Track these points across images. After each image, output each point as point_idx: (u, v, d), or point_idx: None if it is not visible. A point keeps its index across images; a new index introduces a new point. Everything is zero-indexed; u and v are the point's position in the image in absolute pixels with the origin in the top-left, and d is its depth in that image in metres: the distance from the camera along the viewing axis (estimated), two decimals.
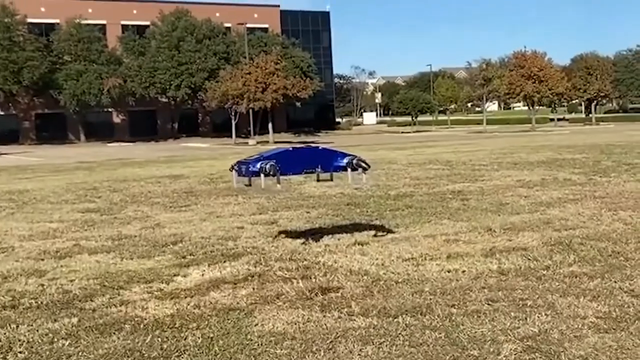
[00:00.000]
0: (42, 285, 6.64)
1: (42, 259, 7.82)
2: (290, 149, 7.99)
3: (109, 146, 56.94)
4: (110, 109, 69.52)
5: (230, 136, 58.86)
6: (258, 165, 7.28)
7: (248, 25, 68.88)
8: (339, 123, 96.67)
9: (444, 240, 8.00)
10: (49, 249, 8.37)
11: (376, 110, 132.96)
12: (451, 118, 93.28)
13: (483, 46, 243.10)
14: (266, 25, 77.25)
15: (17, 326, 5.34)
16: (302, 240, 8.28)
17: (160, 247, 8.23)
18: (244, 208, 11.32)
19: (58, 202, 13.02)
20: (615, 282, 6.04)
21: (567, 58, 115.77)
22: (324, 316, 5.33)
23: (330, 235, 8.51)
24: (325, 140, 59.27)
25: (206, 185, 15.22)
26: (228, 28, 71.19)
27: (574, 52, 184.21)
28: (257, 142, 54.31)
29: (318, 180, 8.05)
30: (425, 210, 10.25)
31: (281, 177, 7.37)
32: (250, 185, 7.57)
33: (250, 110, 58.38)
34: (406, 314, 5.29)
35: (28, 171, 23.49)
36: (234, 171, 7.71)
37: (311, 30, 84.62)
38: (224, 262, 7.30)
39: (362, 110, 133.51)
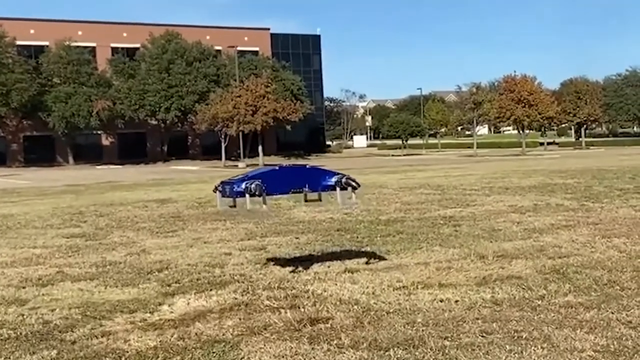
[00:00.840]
0: (22, 315, 6.46)
1: (24, 287, 7.65)
2: (277, 167, 7.80)
3: (97, 169, 56.66)
4: (99, 132, 69.24)
5: (220, 159, 58.72)
6: (243, 185, 7.05)
7: (238, 48, 69.01)
8: (329, 146, 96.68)
9: (436, 268, 7.86)
10: (31, 276, 8.20)
11: (366, 134, 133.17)
12: (442, 141, 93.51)
13: (473, 70, 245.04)
14: (257, 48, 77.44)
15: None
16: (291, 268, 8.12)
17: (145, 275, 8.06)
18: (232, 233, 11.16)
19: (43, 227, 12.83)
20: (612, 313, 5.90)
21: (557, 82, 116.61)
22: (313, 349, 5.17)
23: (319, 263, 8.36)
24: (315, 163, 59.14)
25: (194, 210, 15.05)
26: (218, 51, 71.30)
27: (564, 76, 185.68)
28: (247, 165, 54.10)
29: (306, 201, 7.87)
30: (416, 236, 10.12)
31: (268, 197, 7.17)
32: (235, 206, 7.34)
33: (240, 133, 58.29)
34: (398, 347, 5.13)
35: (14, 195, 23.25)
36: (217, 192, 7.49)
37: (302, 54, 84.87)
38: (211, 290, 7.14)
39: (353, 134, 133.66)
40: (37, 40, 66.33)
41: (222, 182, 7.44)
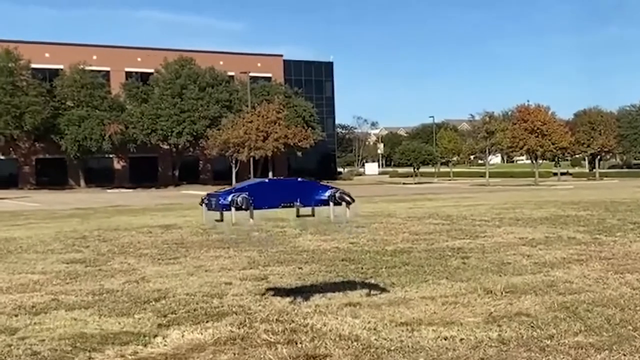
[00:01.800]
0: (10, 345, 6.23)
1: (16, 315, 7.43)
2: (266, 180, 7.47)
3: (108, 192, 56.65)
4: (111, 155, 69.43)
5: (231, 184, 58.49)
6: (229, 198, 6.73)
7: (251, 74, 69.14)
8: (340, 173, 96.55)
9: (442, 302, 7.57)
10: (25, 304, 7.98)
11: (378, 161, 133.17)
12: (454, 170, 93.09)
13: (485, 99, 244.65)
14: (269, 75, 77.64)
15: None
16: (291, 299, 7.86)
17: (141, 304, 7.83)
18: (234, 262, 10.91)
19: (44, 252, 12.64)
20: (624, 355, 5.62)
21: (570, 112, 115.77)
22: None
23: (321, 294, 8.09)
24: None
25: (198, 237, 14.83)
26: (231, 76, 71.56)
27: (577, 106, 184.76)
28: None
29: (298, 216, 7.55)
30: (423, 268, 9.83)
31: (257, 212, 6.85)
32: (221, 220, 7.01)
33: (252, 159, 58.26)
34: None
35: (21, 217, 23.14)
36: (203, 205, 7.15)
37: (314, 80, 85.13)
38: (207, 322, 6.89)
39: (364, 161, 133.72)
40: (52, 64, 66.88)
41: (208, 195, 7.10)
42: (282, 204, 7.09)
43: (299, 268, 10.18)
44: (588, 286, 8.45)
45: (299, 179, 7.67)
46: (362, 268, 10.03)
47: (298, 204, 7.11)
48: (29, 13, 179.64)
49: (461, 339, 6.10)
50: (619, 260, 10.43)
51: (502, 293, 8.01)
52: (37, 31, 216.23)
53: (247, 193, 6.70)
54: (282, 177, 7.51)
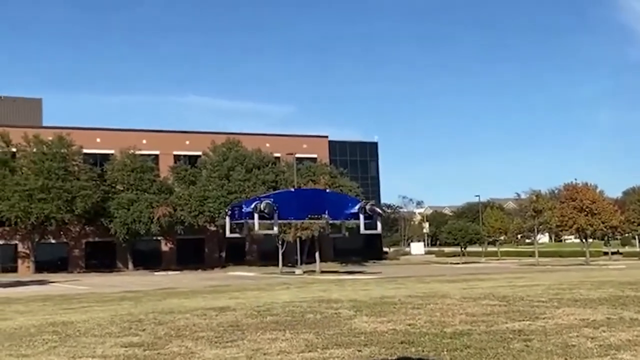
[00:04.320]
0: None
1: None
2: (292, 190, 7.14)
3: (155, 275, 56.98)
4: (159, 237, 70.14)
5: (277, 265, 58.52)
6: (252, 205, 6.35)
7: (297, 155, 69.99)
8: (386, 252, 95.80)
9: None
10: None
11: (424, 240, 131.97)
12: (501, 249, 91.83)
13: (531, 177, 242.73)
14: (315, 155, 78.43)
15: None
16: None
17: None
18: (291, 345, 10.82)
19: (101, 335, 12.71)
20: None
21: (619, 191, 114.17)
22: None
23: None
24: (373, 270, 58.56)
25: (253, 319, 14.78)
26: (277, 158, 72.47)
27: (626, 184, 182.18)
28: (304, 272, 53.83)
29: (328, 235, 7.15)
30: (485, 351, 9.62)
31: (282, 222, 6.46)
32: (243, 229, 6.60)
33: (298, 239, 58.24)
34: None
35: (74, 301, 23.36)
36: (227, 217, 6.76)
37: (359, 160, 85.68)
38: None
39: (410, 240, 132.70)
40: (103, 149, 68.71)
41: (231, 205, 6.81)
42: (309, 216, 6.73)
43: (359, 351, 10.03)
44: None
45: (327, 190, 7.31)
46: (422, 351, 9.86)
47: (326, 216, 6.74)
48: (81, 100, 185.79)
49: None
50: None
51: None
52: (88, 117, 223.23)
53: (272, 199, 6.33)
54: (309, 188, 7.13)
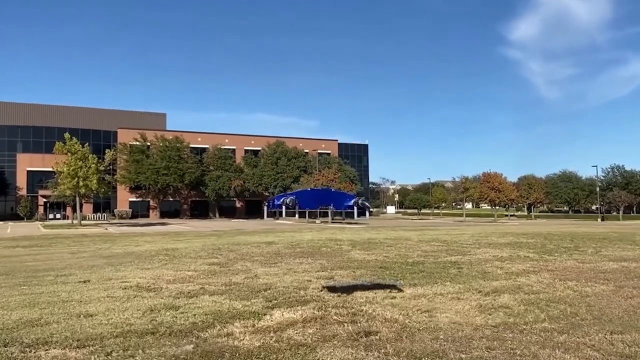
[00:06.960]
0: (175, 317, 6.01)
1: (178, 297, 7.24)
2: (309, 189, 6.91)
3: (232, 221, 56.88)
4: (234, 199, 70.07)
5: (306, 217, 58.23)
6: (281, 200, 6.19)
7: (318, 151, 69.44)
8: (371, 212, 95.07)
9: (449, 298, 7.06)
10: (183, 290, 7.79)
11: (394, 205, 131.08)
12: (442, 212, 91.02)
13: (462, 166, 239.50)
14: (329, 151, 77.64)
15: (149, 347, 4.70)
16: (351, 293, 7.45)
17: (255, 293, 7.54)
18: (312, 267, 10.55)
19: (195, 257, 12.53)
20: (578, 337, 5.05)
21: (515, 176, 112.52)
22: (367, 355, 4.50)
23: (369, 290, 7.67)
24: (363, 222, 58.04)
25: (288, 249, 14.54)
26: (306, 152, 71.87)
27: (519, 173, 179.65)
28: (321, 221, 53.54)
29: (333, 221, 6.97)
30: (433, 274, 9.30)
31: (301, 210, 6.31)
32: (275, 215, 6.47)
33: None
34: (427, 357, 4.42)
35: (181, 236, 23.26)
36: (265, 207, 6.59)
37: (356, 155, 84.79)
38: (297, 306, 6.56)
39: (386, 205, 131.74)
40: (202, 144, 68.42)
41: (267, 200, 6.60)
42: (320, 207, 6.55)
43: (353, 272, 9.77)
44: (543, 289, 7.82)
45: (332, 189, 7.10)
46: (393, 273, 9.56)
47: (332, 207, 6.57)
48: (189, 116, 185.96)
49: (466, 323, 5.63)
50: (560, 272, 9.71)
51: (488, 292, 7.46)
52: (194, 125, 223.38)
53: (294, 196, 6.18)
54: (320, 187, 6.99)
